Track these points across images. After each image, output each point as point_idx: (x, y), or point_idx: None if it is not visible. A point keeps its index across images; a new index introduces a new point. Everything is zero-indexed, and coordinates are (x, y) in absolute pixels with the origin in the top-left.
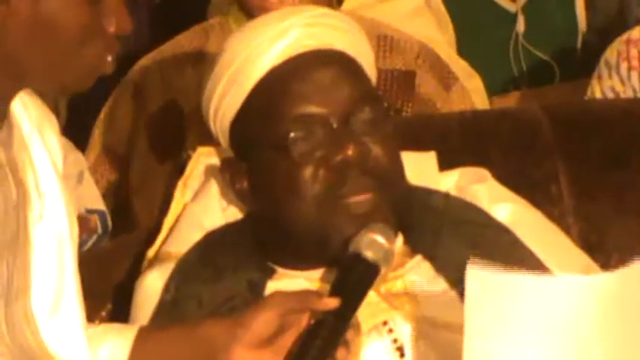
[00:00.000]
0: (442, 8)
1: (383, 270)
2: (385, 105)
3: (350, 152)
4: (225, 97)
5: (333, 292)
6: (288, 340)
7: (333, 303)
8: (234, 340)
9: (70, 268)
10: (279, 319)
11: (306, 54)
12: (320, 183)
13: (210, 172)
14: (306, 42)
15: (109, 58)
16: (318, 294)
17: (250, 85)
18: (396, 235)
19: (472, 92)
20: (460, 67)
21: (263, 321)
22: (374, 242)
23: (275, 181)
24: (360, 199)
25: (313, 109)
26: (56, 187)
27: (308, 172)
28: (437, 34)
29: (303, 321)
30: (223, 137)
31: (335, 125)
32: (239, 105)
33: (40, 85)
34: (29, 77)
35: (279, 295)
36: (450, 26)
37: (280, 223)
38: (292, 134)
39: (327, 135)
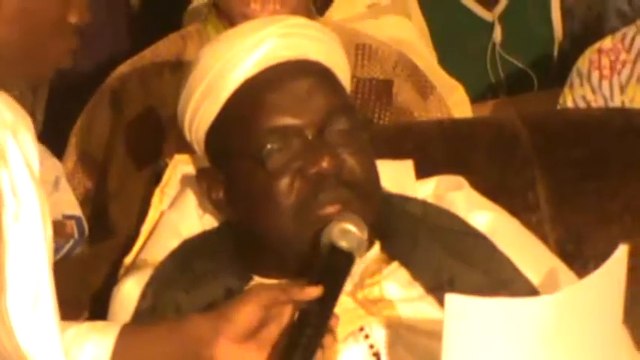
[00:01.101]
0: (423, 24)
1: (357, 259)
2: (360, 115)
3: (325, 164)
4: (200, 107)
5: (313, 284)
6: (272, 332)
7: (315, 292)
8: (217, 333)
9: (45, 271)
10: (262, 311)
11: (282, 65)
12: (295, 194)
13: (187, 179)
14: (282, 52)
15: (69, 53)
16: (299, 285)
17: (225, 96)
18: (372, 244)
19: (455, 105)
20: (443, 80)
21: (246, 314)
22: (347, 232)
23: (251, 192)
24: (335, 209)
25: (288, 120)
26: (31, 189)
27: (284, 183)
28: (422, 47)
29: (286, 313)
30: (199, 146)
31: (310, 136)
32: (214, 116)
33: (7, 76)
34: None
35: (261, 287)
36: (430, 41)
37: (257, 233)
38: (268, 146)
39: (302, 146)
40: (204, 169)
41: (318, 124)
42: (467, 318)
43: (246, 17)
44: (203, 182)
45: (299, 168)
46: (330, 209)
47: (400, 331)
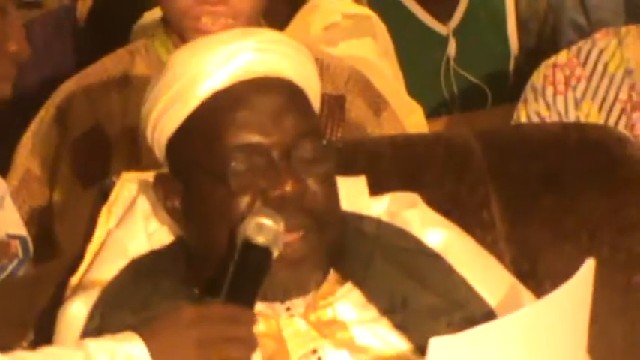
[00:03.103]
0: (389, 43)
1: (275, 253)
2: (327, 143)
3: (288, 188)
4: (166, 114)
5: (231, 285)
6: None
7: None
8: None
9: None
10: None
11: (254, 80)
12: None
13: (138, 193)
14: (256, 67)
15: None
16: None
17: (192, 105)
18: (327, 272)
19: (412, 128)
20: (402, 100)
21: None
22: (262, 226)
23: (209, 207)
24: (293, 239)
25: (256, 138)
26: None
27: (243, 203)
28: (383, 65)
29: None
30: (160, 153)
31: (276, 157)
32: (178, 124)
33: None
34: None
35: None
36: (395, 60)
37: (209, 251)
38: (232, 164)
39: (267, 167)
40: (163, 175)
41: (285, 145)
42: (450, 356)
43: (197, 31)
44: (159, 189)
45: (261, 189)
46: (288, 237)
47: (354, 354)
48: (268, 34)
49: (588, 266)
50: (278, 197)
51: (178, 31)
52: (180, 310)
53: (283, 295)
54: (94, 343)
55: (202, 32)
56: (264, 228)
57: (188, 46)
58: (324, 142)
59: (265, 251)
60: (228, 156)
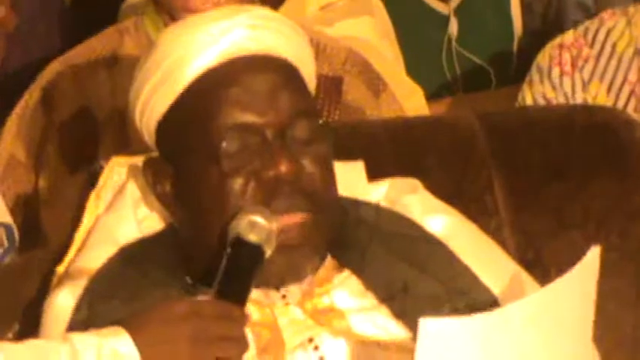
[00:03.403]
0: (388, 22)
1: (268, 252)
2: (324, 124)
3: (283, 168)
4: (155, 94)
5: (222, 282)
6: None
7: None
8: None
9: None
10: None
11: (246, 58)
12: (248, 197)
13: (128, 177)
14: (249, 45)
15: None
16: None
17: (182, 85)
18: (324, 258)
19: (411, 111)
20: (402, 82)
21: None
22: (254, 224)
23: (202, 190)
24: (289, 225)
25: (249, 118)
26: None
27: (237, 184)
28: (382, 46)
29: None
30: (149, 137)
31: (270, 137)
32: (168, 105)
33: None
34: None
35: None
36: (394, 40)
37: (201, 237)
38: (225, 144)
39: (261, 147)
40: (152, 159)
41: (279, 124)
42: (442, 341)
43: (187, 11)
44: (149, 173)
45: (255, 170)
46: (283, 219)
47: (352, 343)
48: (261, 12)
49: (594, 254)
50: (272, 178)
51: (168, 10)
52: (170, 303)
53: (279, 281)
54: (79, 338)
55: (192, 11)
56: (257, 226)
57: (177, 25)
58: (320, 122)
59: (257, 250)
60: (220, 136)
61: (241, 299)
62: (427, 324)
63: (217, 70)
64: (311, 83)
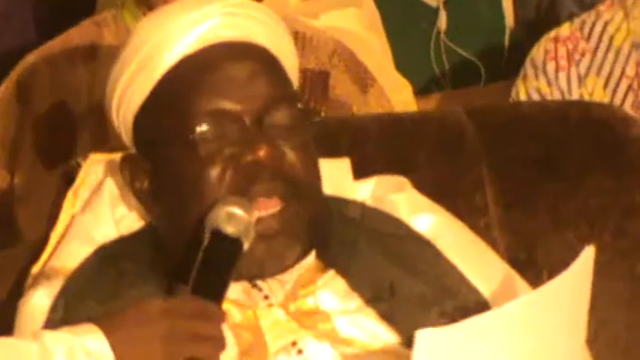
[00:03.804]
0: (375, 13)
1: (246, 244)
2: (305, 110)
3: (262, 153)
4: (131, 85)
5: (198, 277)
6: None
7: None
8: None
9: None
10: None
11: (223, 45)
12: (226, 185)
13: (105, 175)
14: (224, 32)
15: None
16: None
17: (159, 73)
18: (308, 252)
19: (400, 105)
20: (390, 76)
21: None
22: (232, 216)
23: (178, 180)
24: (267, 212)
25: (226, 104)
26: None
27: (215, 172)
28: (370, 38)
29: None
30: (126, 132)
31: (248, 123)
32: (145, 95)
33: None
34: None
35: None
36: (382, 32)
37: (178, 233)
38: (200, 128)
39: (238, 133)
40: (130, 155)
41: (257, 111)
42: (439, 350)
43: (166, 1)
44: (126, 170)
45: (233, 156)
46: (266, 204)
47: (337, 347)
48: (238, 0)
49: (588, 254)
50: (251, 163)
51: (147, 2)
52: (145, 302)
53: (259, 271)
54: (51, 335)
55: (170, 2)
56: (235, 218)
57: (152, 14)
58: (300, 107)
59: (235, 242)
60: (195, 121)
61: (218, 295)
62: (422, 335)
63: (194, 57)
64: (293, 72)
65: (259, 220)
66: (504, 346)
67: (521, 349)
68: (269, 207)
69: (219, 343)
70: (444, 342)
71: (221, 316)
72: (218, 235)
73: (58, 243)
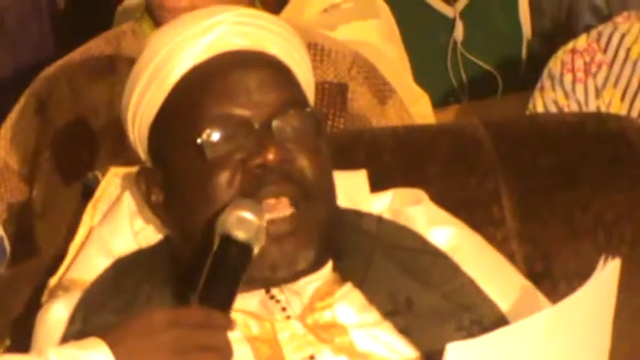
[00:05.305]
0: (393, 24)
1: (256, 249)
2: (318, 117)
3: (271, 156)
4: (144, 97)
5: (206, 284)
6: None
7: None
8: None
9: None
10: None
11: (233, 53)
12: (235, 189)
13: (123, 189)
14: (234, 40)
15: None
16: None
17: (170, 83)
18: (324, 262)
19: (417, 117)
20: (407, 87)
21: None
22: (243, 220)
23: (188, 185)
24: (278, 216)
25: (235, 110)
26: None
27: (224, 176)
28: (388, 49)
29: None
30: (142, 145)
31: (257, 127)
32: (158, 106)
33: None
34: None
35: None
36: (400, 43)
37: (190, 241)
38: (210, 133)
39: (247, 137)
40: (145, 168)
41: (266, 116)
42: None
43: (176, 12)
44: (142, 183)
45: (241, 160)
46: (275, 205)
47: None
48: (248, 10)
49: (614, 266)
50: (259, 166)
51: (158, 12)
52: (150, 313)
53: (271, 274)
54: (55, 351)
55: (168, 10)
56: (245, 222)
57: (163, 27)
58: (309, 110)
59: (245, 248)
60: (203, 126)
61: (227, 302)
62: (452, 348)
63: (204, 66)
64: (307, 84)
65: (270, 222)
66: (531, 357)
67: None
68: (278, 208)
69: (225, 353)
70: (472, 355)
71: (228, 325)
72: (227, 240)
73: (77, 255)
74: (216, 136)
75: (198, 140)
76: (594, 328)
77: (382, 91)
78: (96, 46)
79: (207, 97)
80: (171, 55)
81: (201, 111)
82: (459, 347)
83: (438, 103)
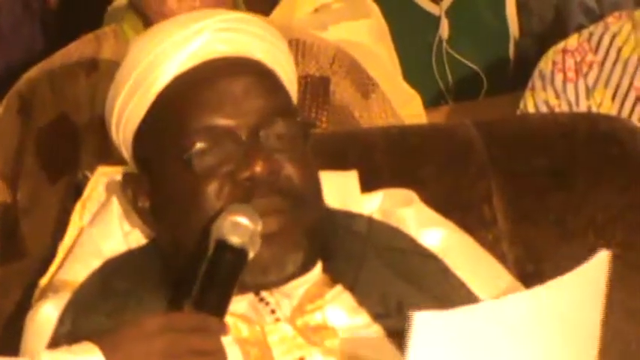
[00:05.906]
0: (383, 23)
1: (251, 254)
2: (304, 122)
3: (258, 168)
4: (129, 104)
5: (201, 289)
6: None
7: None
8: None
9: None
10: None
11: (217, 60)
12: (224, 200)
13: (110, 192)
14: (218, 47)
15: None
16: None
17: (155, 91)
18: (314, 264)
19: (409, 118)
20: (398, 88)
21: None
22: (237, 225)
23: (176, 196)
24: (267, 219)
25: (221, 120)
26: None
27: (212, 188)
28: (379, 49)
29: None
30: (126, 150)
31: (244, 138)
32: (142, 114)
33: None
34: None
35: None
36: (391, 42)
37: (181, 249)
38: (196, 145)
39: (235, 149)
40: (130, 174)
41: (253, 125)
42: (434, 334)
43: (163, 16)
44: (128, 189)
45: (229, 172)
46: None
47: None
48: (232, 14)
49: (603, 256)
50: (247, 179)
51: (143, 15)
52: (144, 319)
53: (262, 277)
54: (48, 356)
55: (167, 15)
56: (240, 227)
57: (147, 32)
58: (299, 119)
59: (239, 253)
60: (190, 138)
61: (221, 308)
62: (420, 318)
63: (188, 74)
64: (291, 86)
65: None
66: (506, 336)
67: (522, 342)
68: (267, 224)
69: (219, 358)
70: (441, 327)
71: (222, 330)
72: (222, 245)
73: (66, 256)
74: (203, 148)
75: (186, 154)
76: (582, 315)
77: (365, 85)
78: (76, 48)
79: (193, 107)
80: (154, 64)
81: (188, 122)
82: (427, 317)
83: (423, 101)
